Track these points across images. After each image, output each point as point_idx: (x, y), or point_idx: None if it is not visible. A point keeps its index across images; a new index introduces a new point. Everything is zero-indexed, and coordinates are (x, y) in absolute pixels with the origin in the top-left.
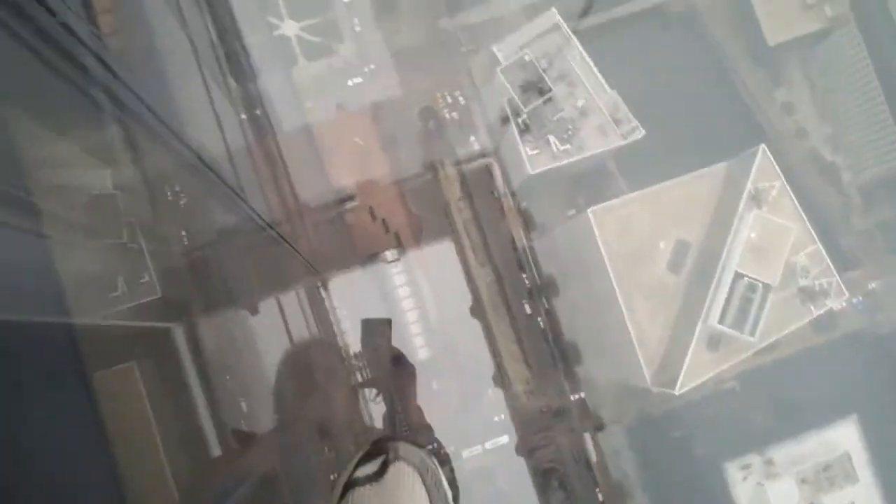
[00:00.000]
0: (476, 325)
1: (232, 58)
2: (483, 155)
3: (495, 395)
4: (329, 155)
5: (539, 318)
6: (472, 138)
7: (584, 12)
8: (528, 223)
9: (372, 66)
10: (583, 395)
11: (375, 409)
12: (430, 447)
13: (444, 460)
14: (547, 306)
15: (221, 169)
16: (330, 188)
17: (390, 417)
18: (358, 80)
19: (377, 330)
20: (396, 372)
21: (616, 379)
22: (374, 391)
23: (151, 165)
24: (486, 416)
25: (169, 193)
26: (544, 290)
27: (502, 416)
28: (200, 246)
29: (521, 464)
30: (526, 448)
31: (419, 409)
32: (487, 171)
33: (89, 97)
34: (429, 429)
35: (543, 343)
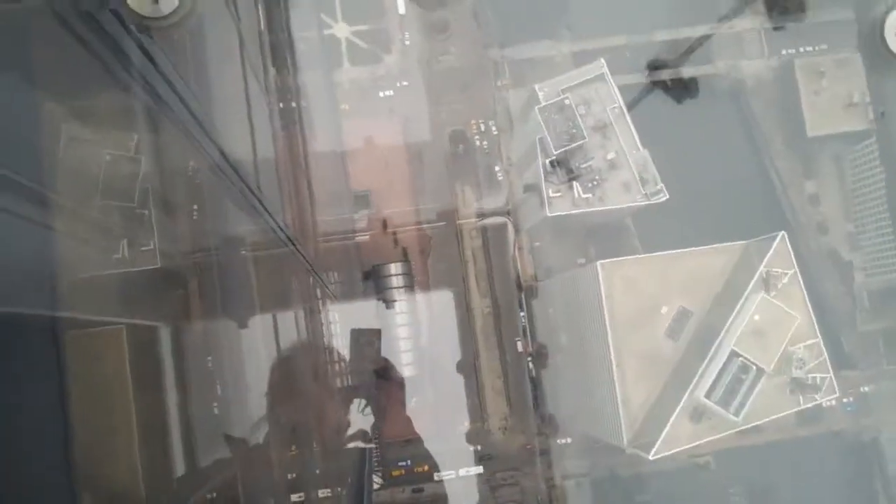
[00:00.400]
0: (465, 351)
1: (277, 48)
2: (504, 213)
3: (471, 425)
4: (354, 158)
5: (528, 359)
6: (497, 168)
7: (654, 66)
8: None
9: (405, 83)
10: (565, 440)
11: (357, 417)
12: (404, 463)
13: (416, 478)
14: (535, 374)
15: (245, 171)
16: (348, 191)
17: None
18: (389, 92)
19: (366, 339)
20: (380, 382)
21: (592, 432)
22: (363, 402)
23: (178, 142)
24: (463, 445)
25: (190, 168)
26: (534, 357)
27: (479, 447)
28: (205, 249)
29: (486, 496)
30: (491, 484)
31: (408, 420)
32: (503, 227)
33: (126, 82)
34: (416, 442)
35: (527, 385)
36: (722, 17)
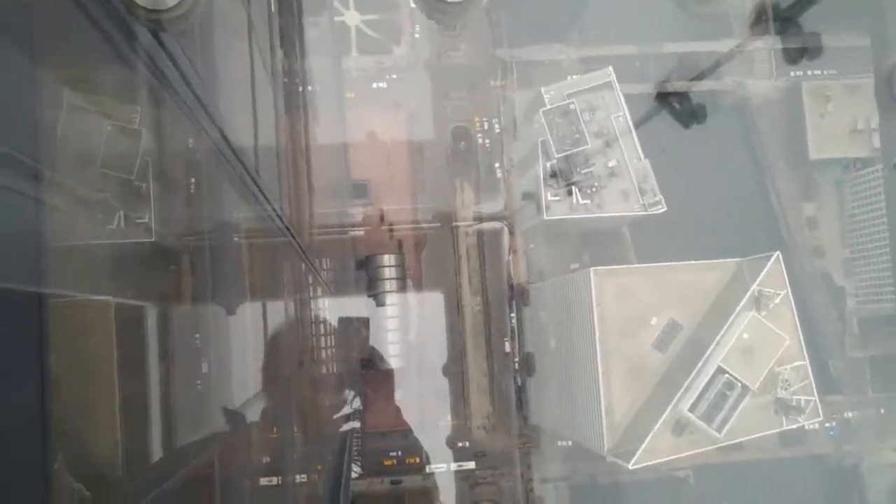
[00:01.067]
0: (452, 349)
1: (286, 31)
2: (502, 218)
3: (453, 421)
4: (355, 147)
5: (515, 360)
6: (497, 165)
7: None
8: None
9: (394, 76)
10: (566, 443)
11: (342, 405)
12: (395, 454)
13: (407, 469)
14: (521, 383)
15: (245, 154)
16: (347, 181)
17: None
18: (383, 84)
19: (354, 327)
20: (366, 371)
21: (574, 437)
22: (352, 392)
23: (179, 119)
24: (449, 440)
25: (190, 145)
26: (522, 366)
27: (467, 443)
28: (200, 226)
29: (464, 493)
30: (469, 482)
31: (394, 411)
32: (500, 232)
33: (130, 57)
34: (403, 433)
35: (512, 386)
36: (733, 36)
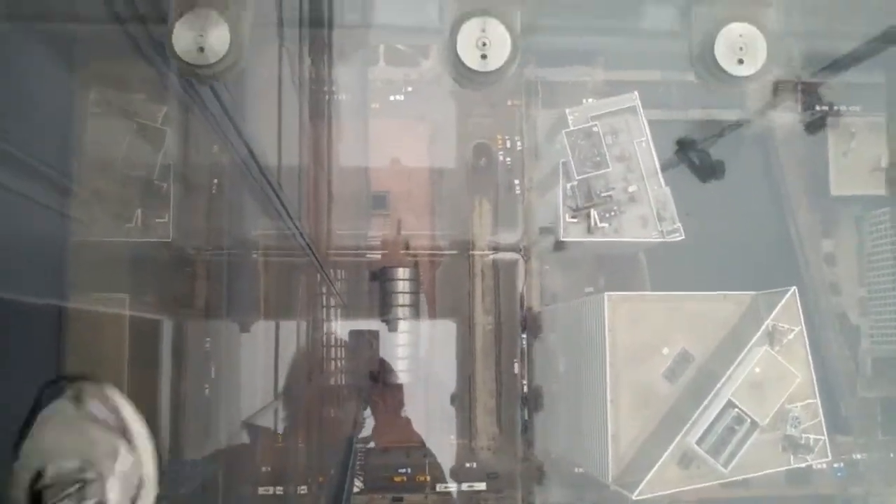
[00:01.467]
0: (462, 372)
1: (315, 40)
2: (518, 249)
3: (459, 440)
4: (376, 158)
5: (523, 383)
6: (517, 182)
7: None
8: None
9: (409, 89)
10: (580, 470)
11: (351, 419)
12: (404, 471)
13: (417, 486)
14: (526, 416)
15: (266, 165)
16: (367, 196)
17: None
18: (399, 97)
19: (364, 340)
20: (374, 385)
21: (579, 463)
22: (365, 408)
23: (205, 126)
24: (457, 460)
25: (214, 150)
26: (530, 400)
27: (474, 464)
28: (217, 231)
29: None
30: (472, 502)
31: (402, 428)
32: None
33: (160, 65)
34: (412, 449)
35: (519, 408)
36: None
